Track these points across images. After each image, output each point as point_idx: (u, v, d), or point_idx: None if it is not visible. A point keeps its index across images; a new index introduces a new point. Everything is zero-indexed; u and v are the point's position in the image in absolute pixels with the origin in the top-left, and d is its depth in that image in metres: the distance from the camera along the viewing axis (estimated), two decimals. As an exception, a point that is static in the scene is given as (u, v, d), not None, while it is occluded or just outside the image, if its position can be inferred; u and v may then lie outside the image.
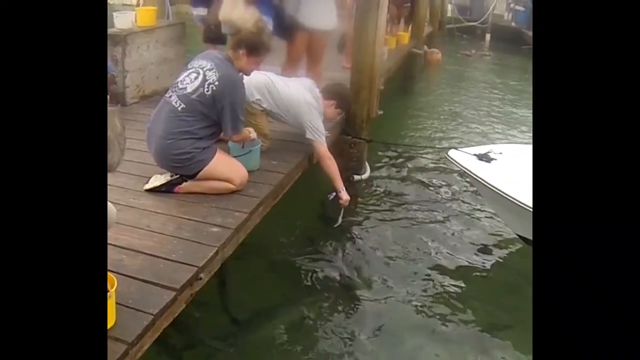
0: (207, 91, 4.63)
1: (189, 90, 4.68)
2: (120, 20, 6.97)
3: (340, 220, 6.20)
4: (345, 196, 5.87)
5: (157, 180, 4.77)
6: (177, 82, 4.82)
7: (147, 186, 4.76)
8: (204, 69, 4.74)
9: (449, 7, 23.24)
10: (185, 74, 4.83)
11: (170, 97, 4.76)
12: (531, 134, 9.31)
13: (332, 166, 5.83)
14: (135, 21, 7.25)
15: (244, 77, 5.10)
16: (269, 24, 6.34)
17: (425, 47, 15.21)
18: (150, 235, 4.09)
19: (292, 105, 5.72)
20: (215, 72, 4.70)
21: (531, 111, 9.25)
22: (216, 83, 4.65)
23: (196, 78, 4.71)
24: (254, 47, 4.83)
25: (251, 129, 5.22)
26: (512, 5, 25.11)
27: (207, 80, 4.67)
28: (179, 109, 4.65)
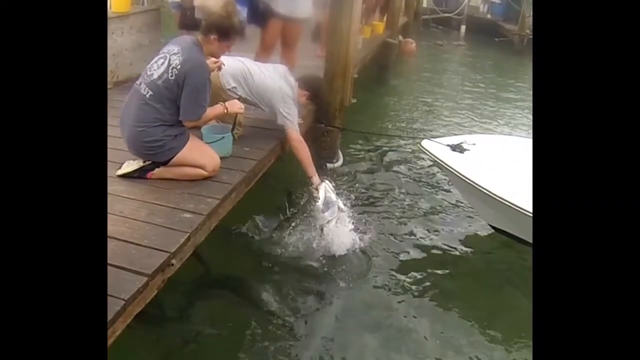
0: (171, 76, 4.59)
1: (155, 76, 4.64)
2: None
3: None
4: (316, 181, 5.86)
5: (130, 166, 4.75)
6: (147, 69, 4.79)
7: (120, 172, 4.74)
8: (171, 54, 4.70)
9: (425, -3, 23.27)
10: (154, 60, 4.80)
11: (140, 84, 4.73)
12: (505, 126, 9.44)
13: (303, 151, 5.82)
14: (110, 7, 7.19)
15: (222, 66, 5.10)
16: (243, 11, 6.32)
17: (400, 37, 15.21)
18: (123, 221, 4.08)
19: (266, 92, 5.74)
20: (179, 55, 4.65)
21: (505, 103, 9.38)
22: (178, 67, 4.60)
23: (162, 64, 4.67)
24: (224, 31, 4.79)
25: (238, 104, 5.22)
26: (488, -3, 25.22)
27: (170, 65, 4.62)
28: (147, 96, 4.62)
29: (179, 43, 4.81)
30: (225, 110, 5.03)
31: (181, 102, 4.65)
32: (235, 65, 5.64)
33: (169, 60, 4.65)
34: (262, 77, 5.75)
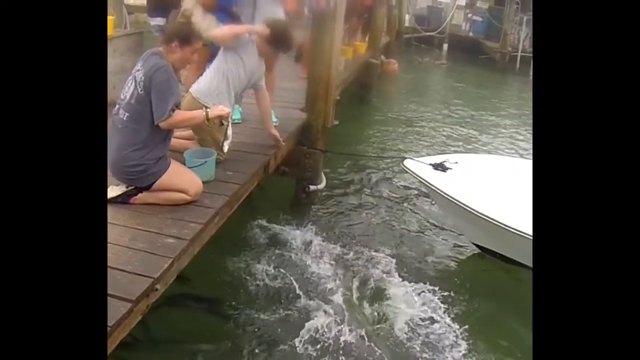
0: (141, 90, 4.57)
1: (127, 97, 4.64)
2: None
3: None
4: (275, 132, 6.19)
5: (113, 191, 4.74)
6: (120, 94, 4.79)
7: (103, 197, 4.74)
8: (135, 71, 4.70)
9: (407, 17, 23.38)
10: (125, 83, 4.79)
11: (117, 109, 4.73)
12: (487, 145, 9.49)
13: (268, 102, 6.18)
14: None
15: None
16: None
17: (383, 57, 15.29)
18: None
19: (253, 75, 5.89)
20: (142, 67, 4.67)
21: (488, 120, 9.43)
22: (142, 78, 4.60)
23: (131, 83, 4.67)
24: (184, 36, 4.77)
25: (219, 108, 5.14)
26: (469, 15, 25.45)
27: (137, 81, 4.62)
28: (124, 118, 4.62)
29: (141, 59, 4.81)
30: (205, 115, 4.93)
31: (152, 107, 4.62)
32: (212, 82, 5.69)
33: (135, 77, 4.65)
34: (242, 69, 5.79)
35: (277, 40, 5.86)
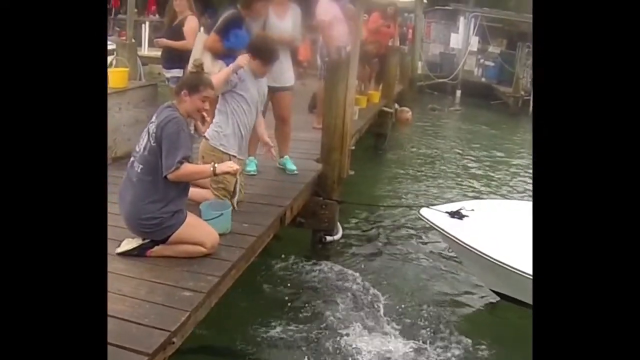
0: (153, 142, 4.59)
1: (141, 149, 4.67)
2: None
3: None
4: (267, 140, 6.28)
5: (129, 243, 4.74)
6: (135, 146, 4.81)
7: (119, 250, 4.73)
8: (149, 124, 4.73)
9: (419, 64, 23.50)
10: (141, 136, 4.81)
11: (132, 162, 4.75)
12: (503, 190, 9.45)
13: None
14: (108, 82, 7.28)
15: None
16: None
17: (396, 105, 15.33)
18: (122, 300, 4.05)
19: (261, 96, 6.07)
20: (155, 122, 4.69)
21: (503, 165, 9.42)
22: (155, 130, 4.62)
23: (145, 136, 4.70)
24: (192, 85, 4.79)
25: (228, 164, 5.10)
26: (481, 60, 25.58)
27: (150, 133, 4.64)
28: (139, 171, 4.64)
29: (156, 112, 4.83)
30: (213, 170, 4.84)
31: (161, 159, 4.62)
32: (220, 125, 5.81)
33: (149, 130, 4.68)
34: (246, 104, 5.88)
35: (259, 52, 5.93)
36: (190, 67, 4.93)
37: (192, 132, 5.09)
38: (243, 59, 5.79)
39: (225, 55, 6.55)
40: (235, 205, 5.18)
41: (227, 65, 6.03)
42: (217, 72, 5.93)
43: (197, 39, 7.11)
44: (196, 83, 4.84)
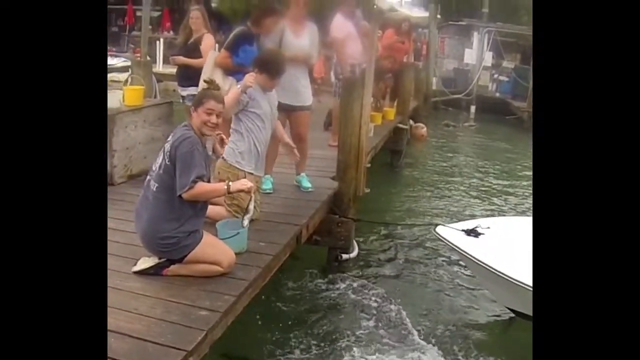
0: (168, 161, 4.60)
1: (157, 168, 4.67)
2: (108, 100, 7.02)
3: None
4: (289, 141, 6.40)
5: (145, 262, 4.75)
6: (152, 165, 4.83)
7: (135, 268, 4.73)
8: (166, 143, 4.74)
9: (434, 80, 23.51)
10: (158, 155, 4.82)
11: (149, 180, 4.76)
12: (520, 206, 9.39)
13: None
14: (123, 100, 7.32)
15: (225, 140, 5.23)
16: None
17: (411, 122, 15.32)
18: (138, 319, 4.04)
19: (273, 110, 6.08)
20: (171, 139, 4.71)
21: (520, 181, 9.37)
22: (170, 150, 4.62)
23: (161, 155, 4.71)
24: (197, 100, 4.81)
25: (242, 182, 5.07)
26: (496, 75, 25.58)
27: (165, 152, 4.65)
28: (154, 189, 4.64)
29: (173, 132, 4.86)
30: (227, 188, 4.84)
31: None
32: (235, 143, 5.82)
33: (164, 149, 4.69)
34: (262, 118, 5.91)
35: (265, 66, 5.93)
36: (201, 84, 4.95)
37: (210, 153, 5.10)
38: (250, 77, 5.79)
39: (236, 71, 6.58)
40: (243, 224, 5.14)
41: (238, 81, 6.06)
42: (227, 89, 5.95)
43: (209, 56, 7.15)
44: (199, 97, 4.87)
